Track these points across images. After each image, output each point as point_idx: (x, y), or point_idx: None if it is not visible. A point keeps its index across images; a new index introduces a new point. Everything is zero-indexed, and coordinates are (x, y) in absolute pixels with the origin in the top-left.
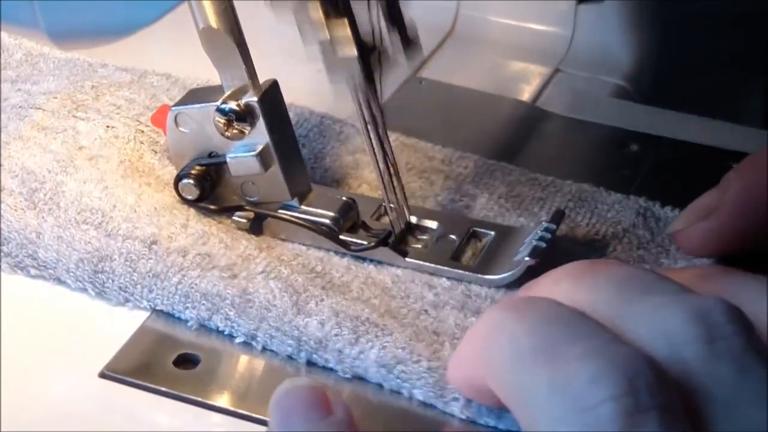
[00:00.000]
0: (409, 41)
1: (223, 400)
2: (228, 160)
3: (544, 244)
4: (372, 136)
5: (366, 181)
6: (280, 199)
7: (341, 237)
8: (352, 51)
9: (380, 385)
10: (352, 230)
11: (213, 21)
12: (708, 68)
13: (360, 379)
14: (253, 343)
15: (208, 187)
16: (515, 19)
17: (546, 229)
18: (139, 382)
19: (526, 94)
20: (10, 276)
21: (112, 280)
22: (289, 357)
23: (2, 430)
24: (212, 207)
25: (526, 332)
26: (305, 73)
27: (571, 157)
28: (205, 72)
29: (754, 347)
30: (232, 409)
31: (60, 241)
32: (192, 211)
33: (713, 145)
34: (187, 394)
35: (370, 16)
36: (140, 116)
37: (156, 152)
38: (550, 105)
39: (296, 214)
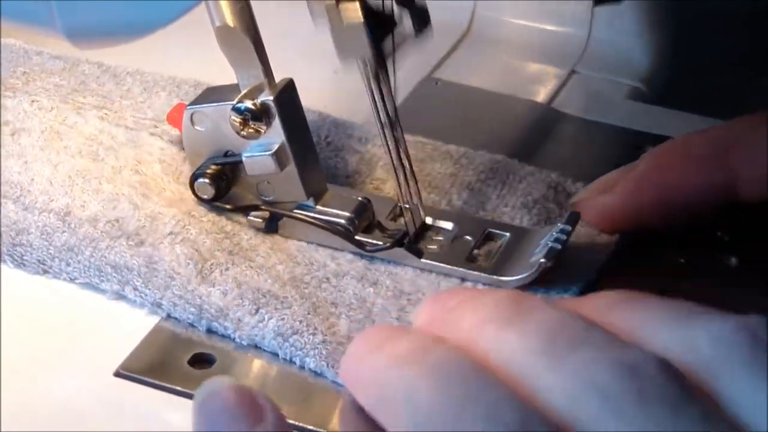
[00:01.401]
0: (420, 17)
1: None
2: (244, 159)
3: (559, 246)
4: (387, 135)
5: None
6: (295, 198)
7: (357, 237)
8: (359, 17)
9: (276, 354)
10: (367, 230)
11: (229, 19)
12: (722, 69)
13: (256, 347)
14: (158, 311)
15: (223, 186)
16: (531, 20)
17: (561, 231)
18: (154, 381)
19: (541, 95)
20: (27, 275)
21: (30, 253)
22: (190, 324)
23: (18, 428)
24: (228, 206)
25: (428, 391)
26: (321, 73)
27: (586, 158)
28: (220, 73)
29: (688, 395)
30: None
31: None
32: (105, 172)
33: None
34: None
35: None
36: (67, 96)
37: (80, 113)
38: (566, 106)
39: (312, 214)
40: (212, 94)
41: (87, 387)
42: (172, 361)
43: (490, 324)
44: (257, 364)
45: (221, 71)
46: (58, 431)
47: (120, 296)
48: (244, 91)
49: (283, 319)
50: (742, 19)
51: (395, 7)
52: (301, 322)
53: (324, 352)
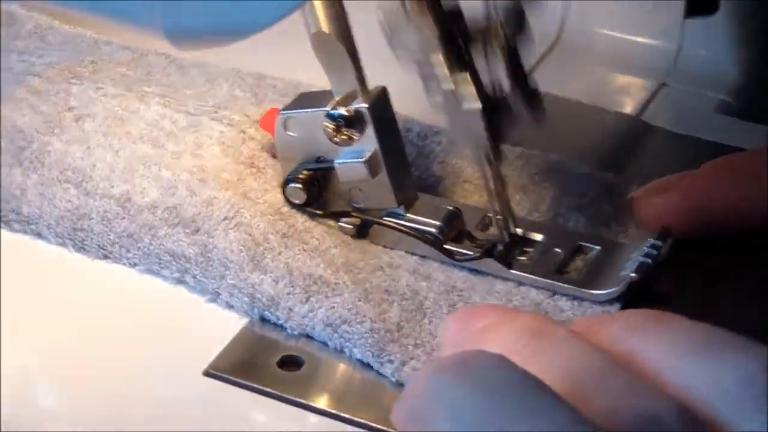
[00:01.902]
0: (531, 97)
1: (322, 402)
2: (336, 165)
3: (650, 261)
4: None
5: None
6: (386, 206)
7: (446, 246)
8: (477, 104)
9: (325, 343)
10: (457, 240)
11: (324, 26)
12: None
13: (307, 336)
14: (218, 300)
15: (315, 191)
16: (621, 32)
17: (652, 246)
18: (243, 381)
19: (630, 107)
20: (122, 277)
21: (91, 238)
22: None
23: (112, 427)
24: (318, 212)
25: (469, 401)
26: (410, 81)
27: (675, 172)
28: (312, 79)
29: None
30: (331, 411)
31: (42, 198)
32: (165, 158)
33: None
34: (290, 395)
35: (489, 67)
36: (132, 85)
37: (143, 100)
38: (655, 119)
39: (402, 222)
40: (306, 100)
41: (177, 386)
42: (260, 362)
43: (514, 356)
44: (342, 367)
45: (313, 78)
46: (147, 430)
47: (181, 282)
48: (337, 98)
49: (332, 307)
50: None
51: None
52: (350, 310)
53: (370, 341)
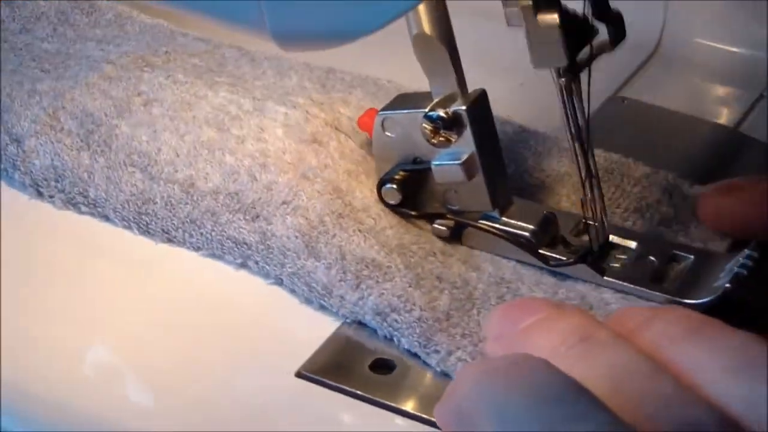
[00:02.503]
0: (614, 28)
1: (410, 405)
2: (433, 166)
3: (745, 272)
4: (577, 148)
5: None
6: (481, 209)
7: (540, 251)
8: (555, 21)
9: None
10: (551, 245)
11: (427, 28)
12: None
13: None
14: (282, 287)
15: (410, 192)
16: (721, 42)
17: (748, 257)
18: (334, 383)
19: (728, 118)
20: (218, 277)
21: (155, 222)
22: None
23: (202, 425)
24: (413, 213)
25: (515, 405)
26: (507, 86)
27: None
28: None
29: None
30: (420, 414)
31: (108, 182)
32: (229, 143)
33: None
34: (380, 398)
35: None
36: (203, 74)
37: (211, 87)
38: (753, 131)
39: (497, 225)
40: (404, 101)
41: (268, 386)
42: (352, 364)
43: (559, 359)
44: (431, 371)
45: (412, 80)
46: (239, 430)
47: (244, 267)
48: (436, 100)
49: (382, 294)
50: None
51: (591, 17)
52: (400, 297)
53: (418, 330)
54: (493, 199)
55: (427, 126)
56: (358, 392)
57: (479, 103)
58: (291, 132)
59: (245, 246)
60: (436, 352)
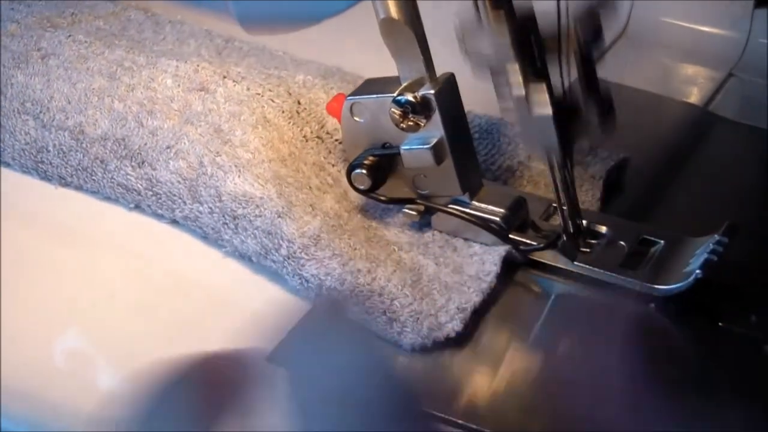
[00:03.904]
0: (604, 109)
1: None
2: (402, 151)
3: (715, 258)
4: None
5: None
6: (451, 193)
7: (510, 236)
8: (548, 110)
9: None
10: (521, 229)
11: (394, 12)
12: None
13: None
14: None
15: (380, 177)
16: (689, 22)
17: (718, 243)
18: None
19: (697, 97)
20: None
21: (51, 170)
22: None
23: None
24: (383, 198)
25: None
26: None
27: (742, 161)
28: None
29: None
30: None
31: (4, 130)
32: (119, 90)
33: None
34: None
35: (562, 80)
36: (105, 36)
37: (109, 47)
38: (722, 110)
39: (466, 210)
40: (372, 86)
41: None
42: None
43: None
44: (403, 356)
45: (377, 64)
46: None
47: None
48: (404, 84)
49: (255, 236)
50: None
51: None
52: (270, 234)
53: (290, 268)
54: (463, 183)
55: (396, 110)
56: None
57: (448, 87)
58: (180, 81)
59: (135, 192)
60: (308, 288)
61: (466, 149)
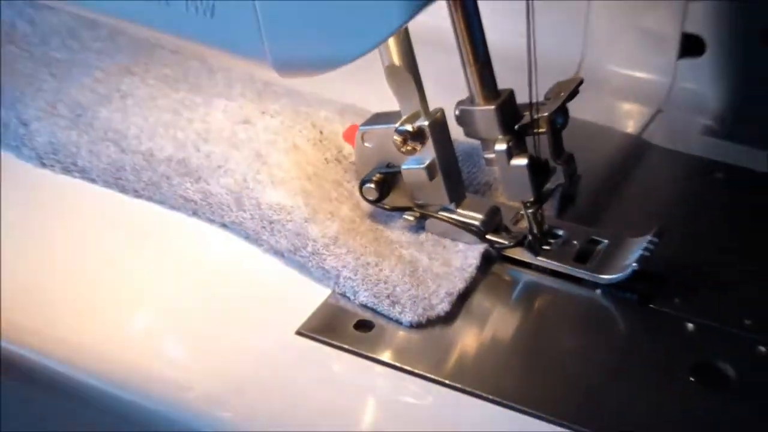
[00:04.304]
0: (570, 172)
1: (387, 356)
2: (402, 170)
3: (648, 254)
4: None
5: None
6: (440, 203)
7: (487, 236)
8: (524, 161)
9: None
10: (495, 232)
11: (396, 59)
12: None
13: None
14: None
15: (385, 190)
16: (627, 69)
17: (650, 242)
18: (327, 340)
19: (632, 128)
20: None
21: (128, 185)
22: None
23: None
24: (387, 206)
25: None
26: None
27: (668, 180)
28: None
29: None
30: (394, 363)
31: (91, 154)
32: (181, 122)
33: None
34: (363, 351)
35: (535, 147)
36: (170, 81)
37: (172, 87)
38: (652, 138)
39: (453, 216)
40: (379, 118)
41: (273, 342)
42: (339, 325)
43: None
44: (404, 330)
45: (379, 101)
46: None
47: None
48: (404, 117)
49: (287, 236)
50: None
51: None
52: (299, 235)
53: (314, 262)
54: (450, 195)
55: (398, 138)
56: (345, 346)
57: (439, 120)
58: (228, 116)
59: (193, 202)
60: (329, 278)
61: (453, 168)
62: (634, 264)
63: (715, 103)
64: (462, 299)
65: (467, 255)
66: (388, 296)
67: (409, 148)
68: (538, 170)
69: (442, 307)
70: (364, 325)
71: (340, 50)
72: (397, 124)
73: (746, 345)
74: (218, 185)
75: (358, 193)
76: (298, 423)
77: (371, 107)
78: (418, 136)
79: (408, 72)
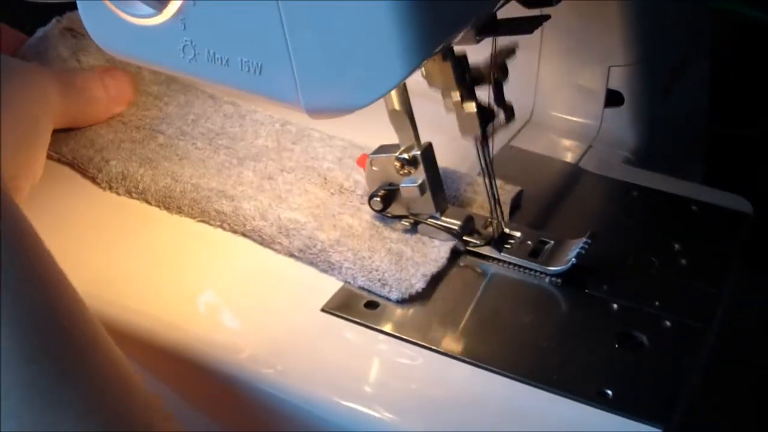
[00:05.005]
0: (508, 112)
1: (389, 328)
2: (400, 188)
3: (583, 251)
4: (486, 178)
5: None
6: (429, 212)
7: (464, 237)
8: (473, 109)
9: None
10: (470, 234)
11: (397, 105)
12: (679, 151)
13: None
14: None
15: (387, 202)
16: (567, 114)
17: (585, 243)
18: (344, 315)
19: (571, 158)
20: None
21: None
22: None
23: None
24: (388, 214)
25: None
26: (443, 140)
27: (597, 197)
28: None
29: None
30: (395, 333)
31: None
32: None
33: (676, 193)
34: (370, 324)
35: (489, 98)
36: (211, 138)
37: (210, 142)
38: (586, 165)
39: (438, 222)
40: (383, 149)
41: (300, 318)
42: (353, 304)
43: None
44: (401, 309)
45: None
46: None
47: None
48: (402, 148)
49: (301, 239)
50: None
51: (494, 105)
52: (310, 238)
53: (322, 257)
54: (437, 206)
55: (397, 164)
56: (357, 320)
57: (428, 150)
58: (256, 174)
59: (223, 213)
60: (333, 269)
61: (438, 186)
62: (574, 259)
63: (632, 141)
64: (436, 281)
65: (440, 249)
66: (379, 280)
67: (405, 171)
68: (483, 114)
69: (420, 285)
70: (371, 305)
71: (356, 98)
72: (396, 153)
73: (656, 320)
74: (248, 204)
75: (355, 211)
76: (321, 377)
77: (377, 140)
78: (412, 162)
79: (405, 114)
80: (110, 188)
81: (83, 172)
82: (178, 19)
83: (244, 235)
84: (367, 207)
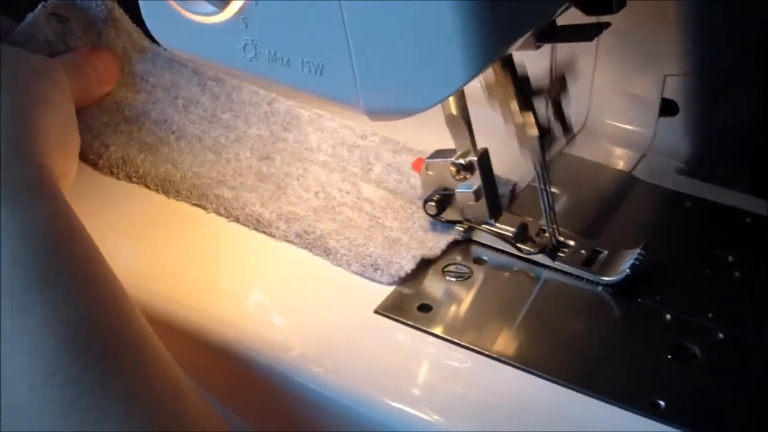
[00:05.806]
0: (567, 129)
1: (440, 330)
2: (456, 192)
3: (637, 262)
4: (542, 185)
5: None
6: (484, 218)
7: (518, 245)
8: (535, 132)
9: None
10: (524, 241)
11: (454, 110)
12: (729, 161)
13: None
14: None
15: (442, 207)
16: (622, 123)
17: (639, 254)
18: (397, 317)
19: (624, 167)
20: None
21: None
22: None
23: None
24: (443, 219)
25: None
26: (498, 145)
27: (651, 207)
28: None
29: None
30: (446, 336)
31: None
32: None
33: (728, 204)
34: (423, 327)
35: (547, 112)
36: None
37: (263, 152)
38: (639, 174)
39: (492, 228)
40: (439, 153)
41: (354, 319)
42: (406, 307)
43: None
44: (453, 309)
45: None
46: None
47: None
48: (459, 153)
49: (316, 236)
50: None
51: (552, 119)
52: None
53: (329, 244)
54: (491, 212)
55: (453, 168)
56: (410, 323)
57: (484, 155)
58: (310, 194)
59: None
60: (329, 253)
61: (494, 192)
62: (627, 270)
63: (685, 150)
64: (492, 288)
65: (440, 239)
66: (371, 265)
67: (461, 176)
68: (541, 127)
69: (409, 266)
70: (424, 308)
71: (416, 101)
72: (453, 158)
73: (709, 332)
74: (271, 215)
75: (353, 205)
76: (370, 377)
77: (432, 144)
78: (468, 168)
79: (462, 120)
80: (111, 173)
81: (83, 158)
82: (239, 18)
83: (237, 220)
84: (365, 202)
